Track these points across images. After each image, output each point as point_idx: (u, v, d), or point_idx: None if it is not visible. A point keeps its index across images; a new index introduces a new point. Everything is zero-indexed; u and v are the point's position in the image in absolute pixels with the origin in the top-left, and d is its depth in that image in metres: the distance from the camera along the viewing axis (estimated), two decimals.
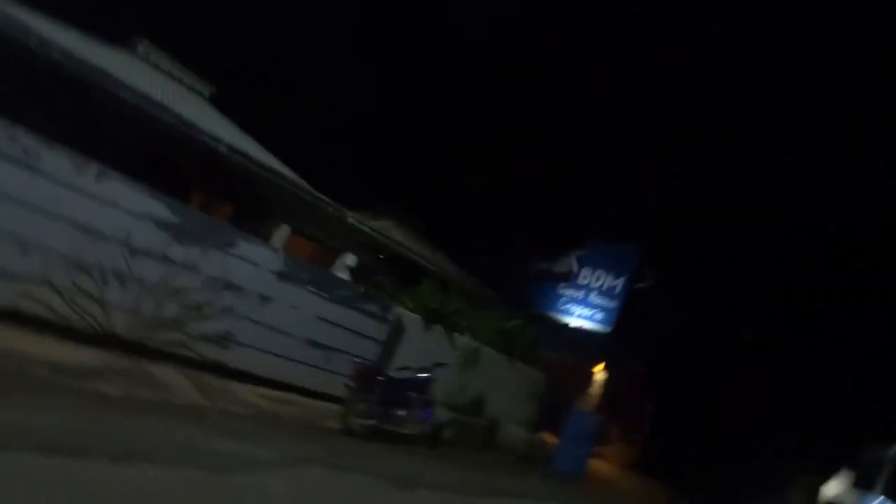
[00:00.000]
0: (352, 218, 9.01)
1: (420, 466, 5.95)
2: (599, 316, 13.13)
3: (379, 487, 4.62)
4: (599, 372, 13.37)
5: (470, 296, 10.66)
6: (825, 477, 31.73)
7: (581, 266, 14.09)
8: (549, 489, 7.70)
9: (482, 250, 15.09)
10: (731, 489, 15.93)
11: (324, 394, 6.97)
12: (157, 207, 5.49)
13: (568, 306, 13.85)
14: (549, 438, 9.93)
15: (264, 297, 6.39)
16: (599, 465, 12.38)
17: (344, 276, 7.73)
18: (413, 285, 9.38)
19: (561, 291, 14.15)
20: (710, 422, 16.31)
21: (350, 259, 7.83)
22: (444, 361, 7.39)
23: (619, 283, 13.19)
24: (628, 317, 13.07)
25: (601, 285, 13.49)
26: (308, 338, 6.81)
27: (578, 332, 13.49)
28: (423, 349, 7.94)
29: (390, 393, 6.39)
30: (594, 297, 13.44)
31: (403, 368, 6.85)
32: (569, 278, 14.22)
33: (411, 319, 8.30)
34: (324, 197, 9.00)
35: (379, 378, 6.41)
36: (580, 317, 13.45)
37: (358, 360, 6.71)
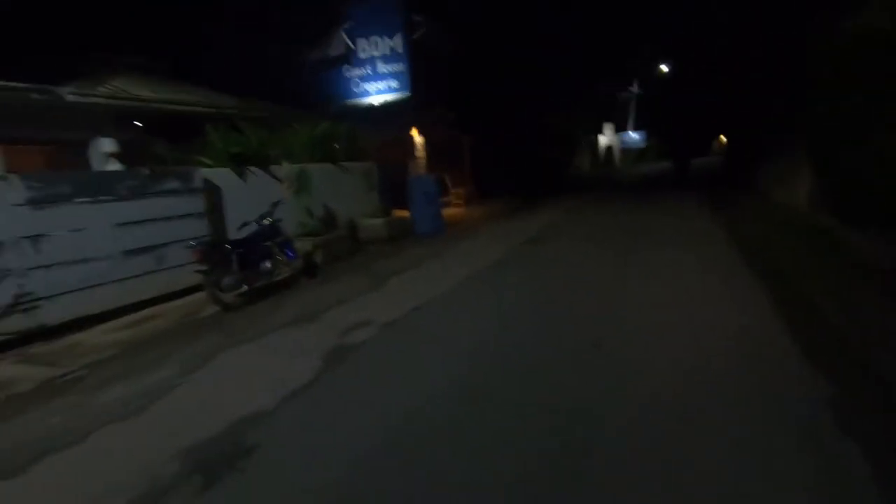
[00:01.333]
0: (71, 94, 6.88)
1: (319, 293, 6.21)
2: (395, 83, 12.98)
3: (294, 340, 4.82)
4: (416, 134, 13.92)
5: (267, 121, 9.63)
6: (597, 133, 40.23)
7: (354, 40, 13.14)
8: (423, 247, 8.68)
9: (248, 70, 13.02)
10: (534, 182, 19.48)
11: (178, 291, 6.45)
12: None
13: (363, 86, 13.35)
14: (405, 213, 10.71)
15: (34, 237, 5.13)
16: (453, 212, 13.99)
17: (112, 166, 6.31)
18: (198, 139, 8.14)
19: (347, 74, 13.39)
20: (509, 138, 18.76)
21: (107, 144, 6.27)
22: (277, 198, 7.04)
23: (398, 41, 12.76)
24: (419, 69, 13.08)
25: (382, 52, 12.96)
26: (119, 250, 5.87)
27: (386, 106, 13.38)
28: (251, 197, 7.40)
29: (244, 254, 6.13)
30: (382, 66, 13.02)
31: (244, 225, 6.44)
32: (349, 59, 13.34)
33: (220, 175, 7.46)
34: (17, 84, 6.60)
35: (226, 246, 6.02)
36: (378, 92, 13.19)
37: (192, 241, 6.09)
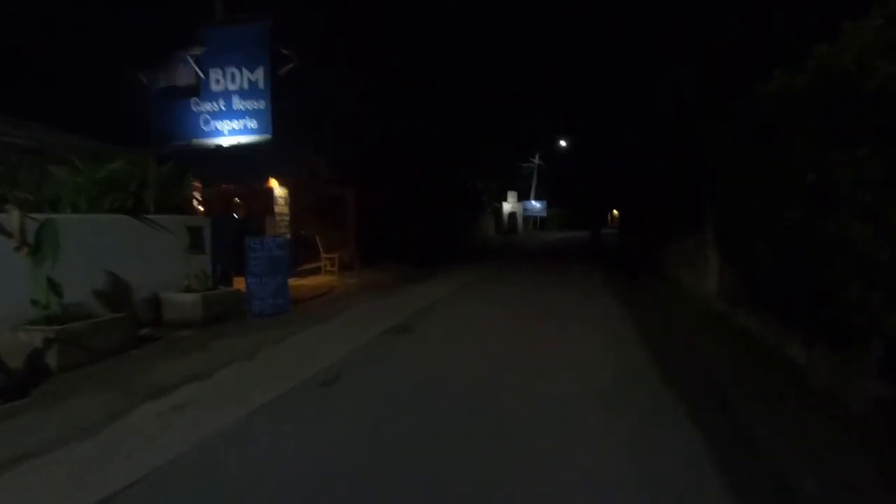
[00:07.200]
0: None
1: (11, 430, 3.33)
2: (253, 123, 10.66)
3: None
4: (276, 186, 11.49)
5: (34, 151, 6.79)
6: (501, 200, 40.51)
7: (206, 68, 10.78)
8: (247, 335, 6.10)
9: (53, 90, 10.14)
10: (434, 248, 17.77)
11: None
12: None
13: (213, 124, 10.86)
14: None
15: None
16: (321, 281, 11.48)
17: None
18: None
19: (196, 108, 10.88)
20: (404, 197, 17.14)
21: None
22: None
23: (259, 75, 10.59)
24: (286, 110, 10.91)
25: (240, 85, 10.69)
26: None
27: (240, 148, 10.90)
28: None
29: None
30: (238, 103, 10.69)
31: None
32: (198, 90, 10.89)
33: None
34: None
35: None
36: (232, 132, 10.76)
37: None
